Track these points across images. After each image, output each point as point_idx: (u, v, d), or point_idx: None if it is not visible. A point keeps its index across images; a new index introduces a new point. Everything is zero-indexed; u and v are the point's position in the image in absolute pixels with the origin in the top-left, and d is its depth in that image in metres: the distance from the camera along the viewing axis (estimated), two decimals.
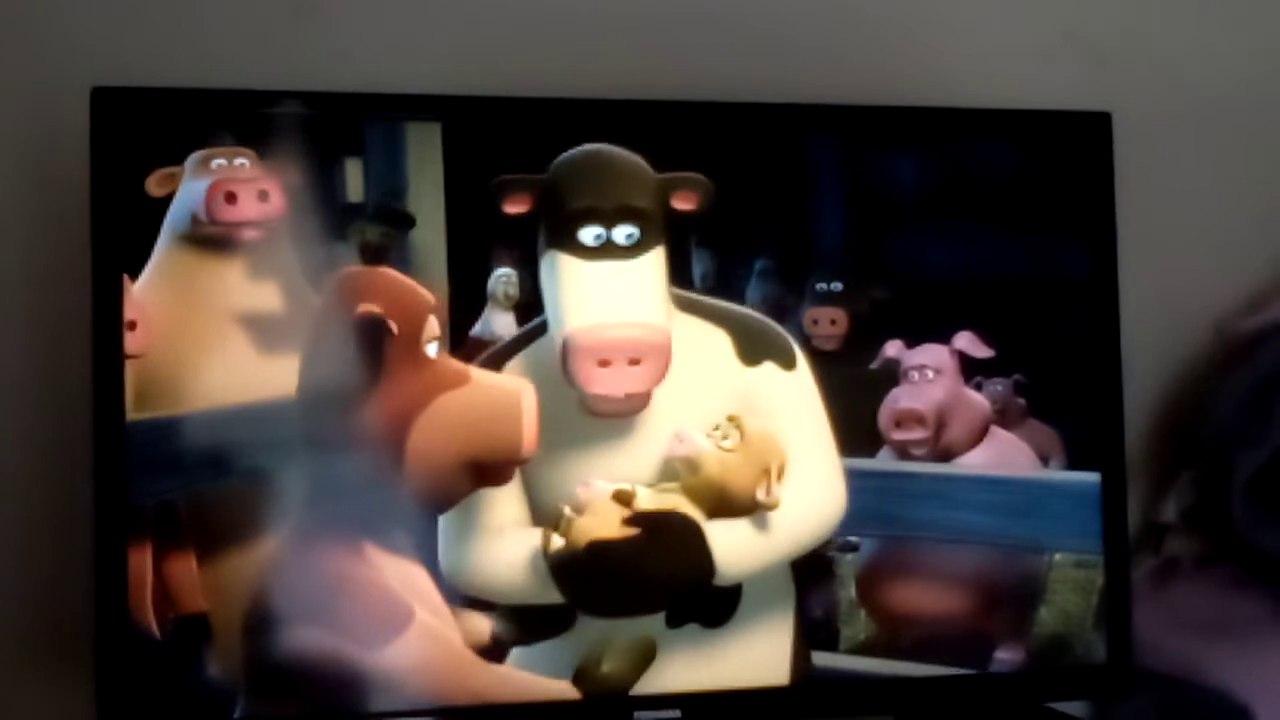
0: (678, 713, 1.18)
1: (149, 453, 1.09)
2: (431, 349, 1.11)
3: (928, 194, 1.27)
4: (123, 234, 1.11)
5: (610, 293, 1.11)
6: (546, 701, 1.16)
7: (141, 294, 1.11)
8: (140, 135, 1.12)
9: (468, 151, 1.16)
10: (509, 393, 1.11)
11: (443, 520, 1.13)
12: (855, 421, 1.21)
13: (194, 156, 1.13)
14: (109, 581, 1.09)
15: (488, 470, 1.12)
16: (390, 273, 1.12)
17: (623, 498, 1.13)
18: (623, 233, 1.12)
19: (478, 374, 1.12)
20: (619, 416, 1.13)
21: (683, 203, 1.14)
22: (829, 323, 1.21)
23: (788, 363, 1.17)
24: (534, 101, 1.20)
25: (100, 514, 1.10)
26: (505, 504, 1.14)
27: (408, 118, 1.17)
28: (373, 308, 1.09)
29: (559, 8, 1.36)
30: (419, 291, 1.12)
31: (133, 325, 1.10)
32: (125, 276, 1.10)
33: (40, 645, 1.25)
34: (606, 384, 1.11)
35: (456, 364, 1.12)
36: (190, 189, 1.13)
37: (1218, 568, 1.44)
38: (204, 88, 1.15)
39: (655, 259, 1.13)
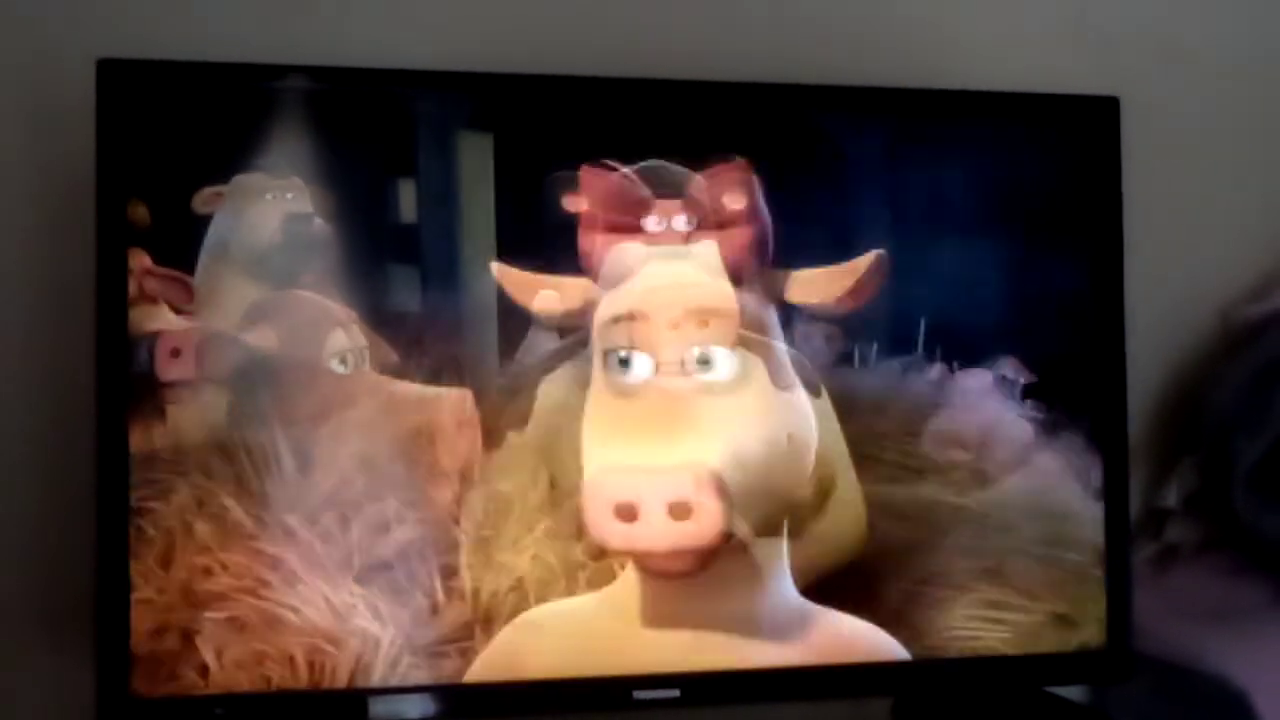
0: (676, 692, 1.18)
1: None
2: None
3: (930, 184, 1.26)
4: (129, 211, 1.11)
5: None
6: (545, 680, 1.17)
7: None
8: (147, 109, 1.11)
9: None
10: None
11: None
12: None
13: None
14: (110, 556, 1.10)
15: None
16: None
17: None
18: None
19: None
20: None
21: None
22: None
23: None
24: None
25: (102, 496, 1.10)
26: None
27: (419, 95, 1.18)
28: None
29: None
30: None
31: None
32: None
33: (43, 618, 1.26)
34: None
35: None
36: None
37: (1218, 554, 1.45)
38: (212, 61, 1.15)
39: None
